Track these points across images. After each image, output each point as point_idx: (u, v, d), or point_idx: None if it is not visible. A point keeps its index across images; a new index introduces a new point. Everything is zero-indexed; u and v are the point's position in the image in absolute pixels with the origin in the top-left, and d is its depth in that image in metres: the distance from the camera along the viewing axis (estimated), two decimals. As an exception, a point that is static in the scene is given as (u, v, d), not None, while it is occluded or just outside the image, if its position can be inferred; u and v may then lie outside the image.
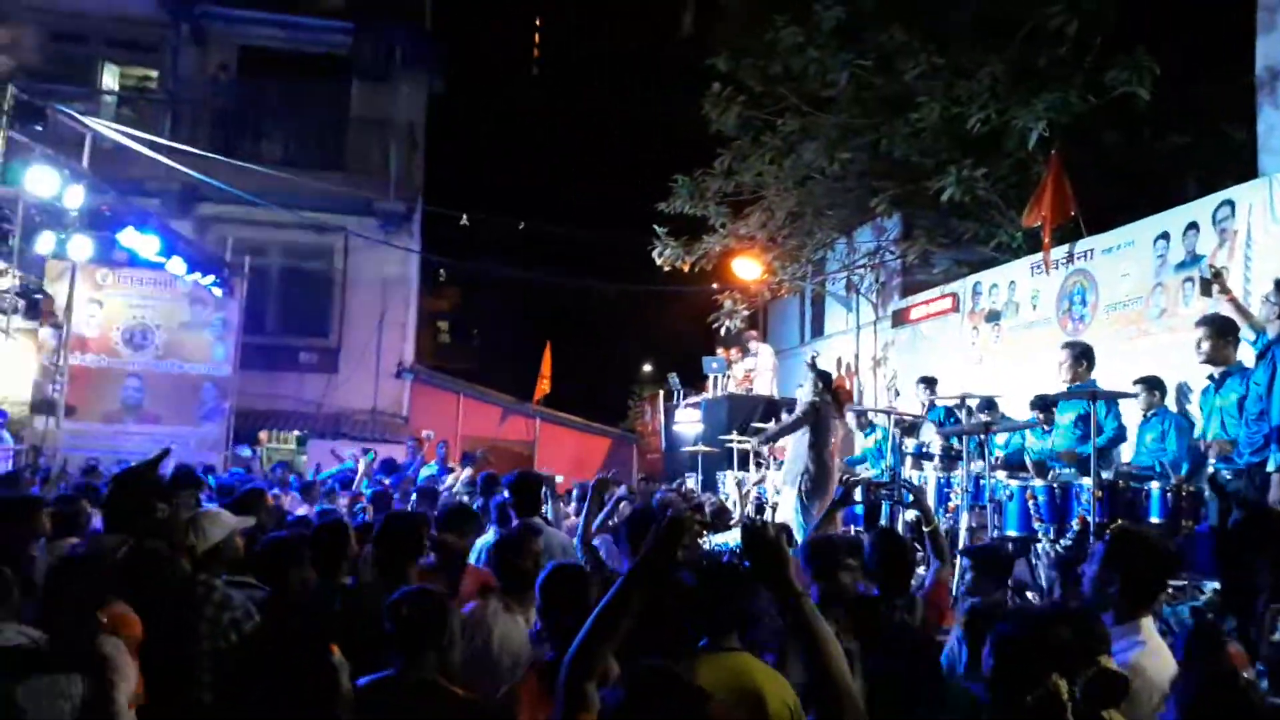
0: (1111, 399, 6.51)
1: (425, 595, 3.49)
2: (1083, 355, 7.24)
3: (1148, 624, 2.99)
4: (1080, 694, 2.57)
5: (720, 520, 5.17)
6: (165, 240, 12.22)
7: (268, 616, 3.96)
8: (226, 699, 3.46)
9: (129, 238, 11.70)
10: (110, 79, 17.02)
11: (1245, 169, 8.59)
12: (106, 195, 12.09)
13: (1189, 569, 6.13)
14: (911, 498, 4.86)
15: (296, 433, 15.78)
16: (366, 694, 3.21)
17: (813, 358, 9.22)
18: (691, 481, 11.97)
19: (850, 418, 10.40)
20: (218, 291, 13.94)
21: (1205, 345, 6.00)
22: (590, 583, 3.45)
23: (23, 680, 2.69)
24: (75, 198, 10.77)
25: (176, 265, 12.71)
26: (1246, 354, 6.39)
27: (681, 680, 2.23)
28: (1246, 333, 5.74)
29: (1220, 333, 5.92)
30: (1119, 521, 5.15)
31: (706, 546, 2.72)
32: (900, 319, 13.68)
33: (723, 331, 14.74)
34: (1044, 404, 7.73)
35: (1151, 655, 2.88)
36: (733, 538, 2.58)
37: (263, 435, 15.33)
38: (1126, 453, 7.84)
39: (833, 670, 2.27)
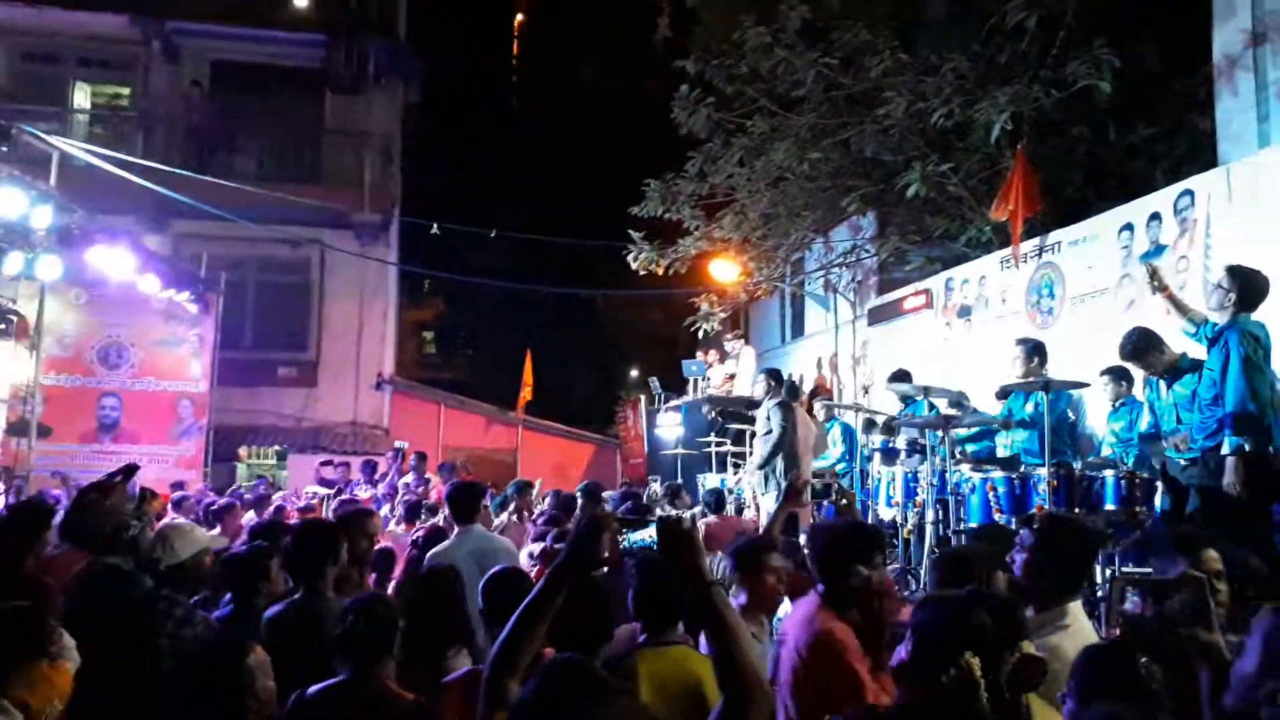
0: (1063, 390, 6.52)
1: (377, 602, 3.48)
2: (1034, 351, 7.28)
3: (1074, 608, 2.99)
4: (1005, 680, 2.58)
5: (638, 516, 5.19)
6: (138, 258, 12.17)
7: (231, 632, 3.92)
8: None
9: (100, 256, 11.64)
10: (82, 98, 17.03)
11: (1211, 158, 8.63)
12: (76, 214, 12.04)
13: (1153, 556, 6.16)
14: (845, 501, 4.91)
15: (276, 447, 15.72)
16: (317, 701, 3.21)
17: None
18: (657, 485, 12.00)
19: (819, 410, 10.43)
20: (193, 308, 13.88)
21: (1155, 366, 6.10)
22: (526, 587, 3.46)
23: None
24: (43, 217, 10.70)
25: (150, 283, 12.65)
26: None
27: (592, 671, 2.24)
28: (1186, 325, 5.75)
29: (1148, 349, 6.01)
30: (1045, 509, 5.18)
31: (625, 543, 2.73)
32: (877, 317, 13.72)
33: (700, 334, 14.74)
34: (1006, 394, 7.76)
35: (1072, 637, 2.88)
36: (651, 533, 2.60)
37: (242, 451, 15.27)
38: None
39: (740, 658, 2.33)
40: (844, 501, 5.84)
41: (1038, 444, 7.22)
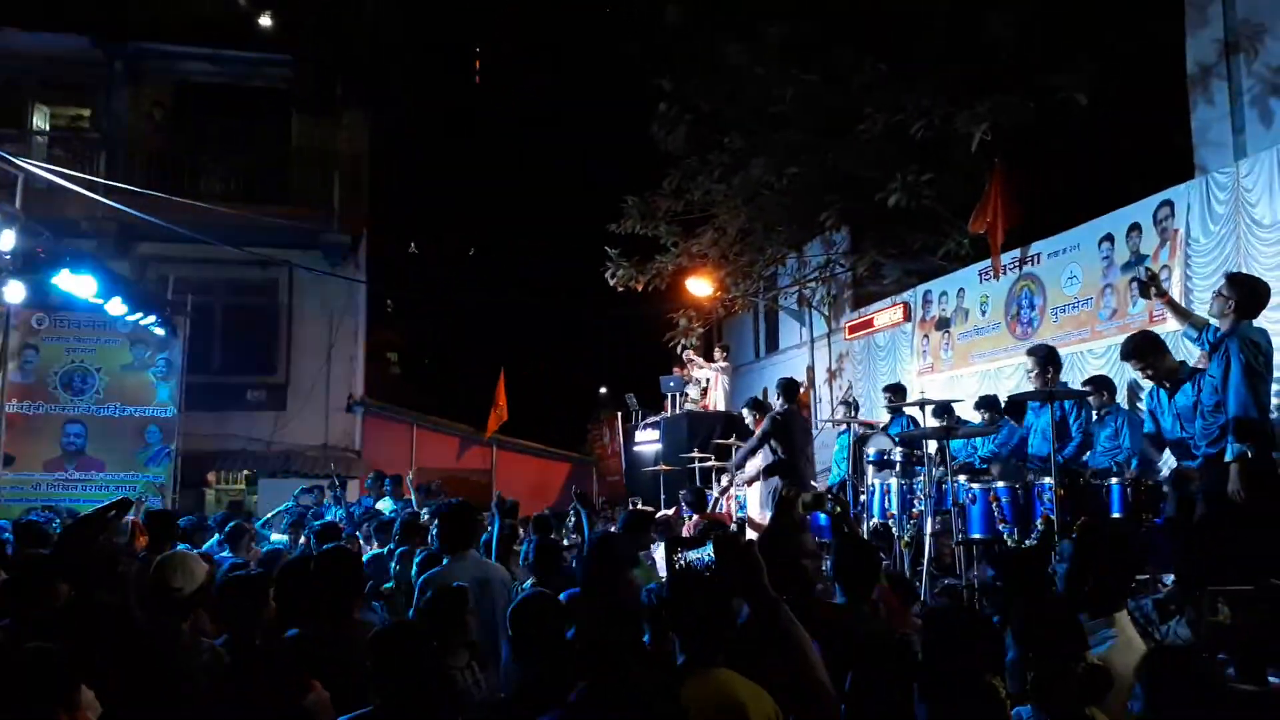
0: (1074, 399, 6.54)
1: (404, 630, 3.39)
2: (1047, 359, 7.26)
3: (1122, 618, 2.97)
4: (1075, 691, 2.57)
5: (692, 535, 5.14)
6: (103, 281, 11.85)
7: (235, 659, 3.79)
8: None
9: (65, 280, 11.32)
10: (40, 120, 16.66)
11: (1186, 166, 8.77)
12: (41, 237, 11.73)
13: (1149, 562, 6.20)
14: (838, 510, 4.86)
15: (246, 472, 15.38)
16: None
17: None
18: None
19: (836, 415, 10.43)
20: (159, 331, 13.56)
21: (1149, 370, 6.03)
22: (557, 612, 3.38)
23: None
24: (7, 241, 10.42)
25: (115, 306, 12.32)
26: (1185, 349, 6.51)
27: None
28: (1188, 330, 5.79)
29: (1152, 351, 5.92)
30: (1084, 519, 5.16)
31: (681, 563, 2.66)
32: (853, 330, 13.80)
33: (678, 350, 14.73)
34: (989, 404, 7.79)
35: (1122, 650, 2.85)
36: (709, 551, 2.55)
37: (211, 476, 14.93)
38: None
39: (813, 674, 2.30)
40: (838, 510, 5.78)
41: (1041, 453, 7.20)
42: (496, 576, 5.11)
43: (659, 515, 10.67)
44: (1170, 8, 8.81)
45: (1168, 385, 5.81)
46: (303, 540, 7.90)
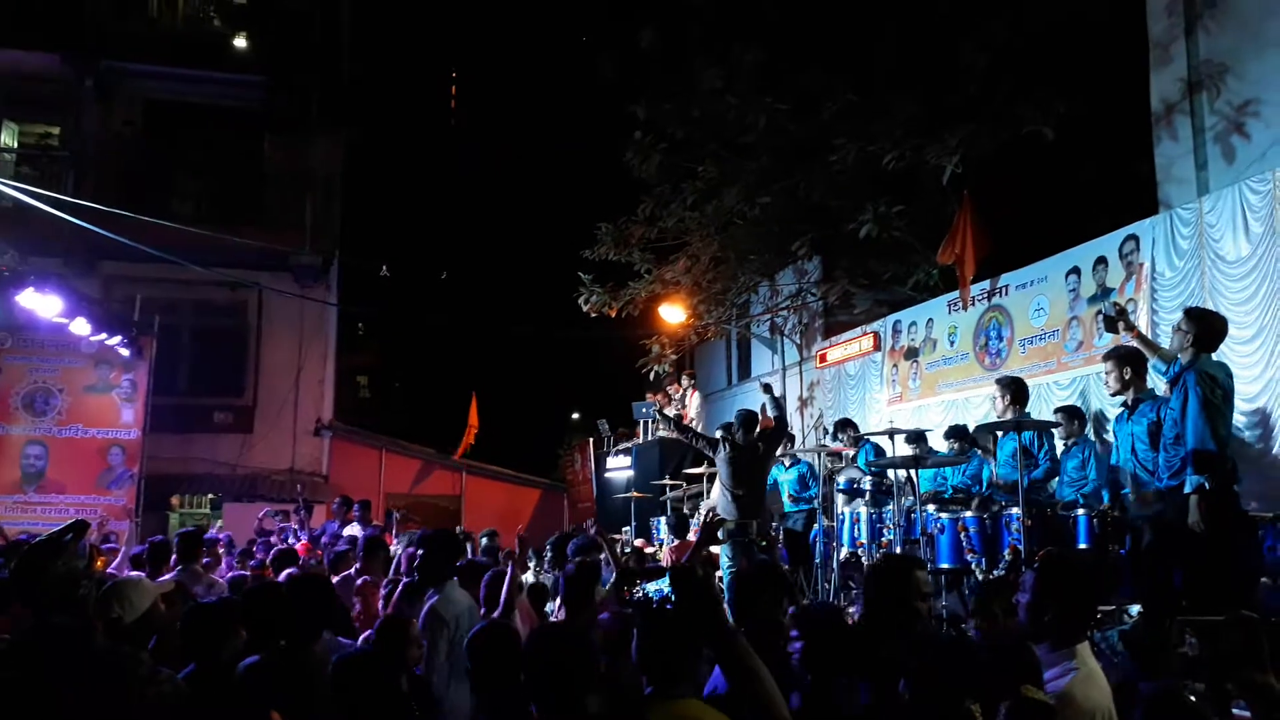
0: (1038, 430, 6.59)
1: (370, 659, 3.34)
2: (1015, 390, 7.35)
3: (1083, 650, 2.98)
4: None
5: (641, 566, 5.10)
6: (68, 300, 11.73)
7: (199, 690, 3.71)
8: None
9: (29, 299, 11.19)
10: (9, 137, 16.48)
11: (1151, 201, 8.93)
12: (6, 256, 11.57)
13: (1114, 593, 6.24)
14: (764, 543, 4.88)
15: (210, 496, 15.15)
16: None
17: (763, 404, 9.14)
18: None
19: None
20: (125, 352, 13.40)
21: (1112, 377, 6.11)
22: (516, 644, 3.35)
23: None
24: (-30, 258, 10.30)
25: (80, 326, 12.18)
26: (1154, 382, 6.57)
27: None
28: (1156, 363, 5.88)
29: (1126, 364, 6.02)
30: (1047, 549, 5.18)
31: (639, 594, 2.65)
32: (824, 359, 13.86)
33: (651, 376, 14.73)
34: (958, 434, 7.84)
35: (1083, 682, 2.86)
36: (666, 583, 2.55)
37: (175, 500, 14.69)
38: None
39: (774, 708, 2.30)
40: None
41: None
42: (461, 608, 5.06)
43: (632, 543, 10.63)
44: (1135, 46, 9.00)
45: (1127, 404, 5.88)
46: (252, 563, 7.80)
